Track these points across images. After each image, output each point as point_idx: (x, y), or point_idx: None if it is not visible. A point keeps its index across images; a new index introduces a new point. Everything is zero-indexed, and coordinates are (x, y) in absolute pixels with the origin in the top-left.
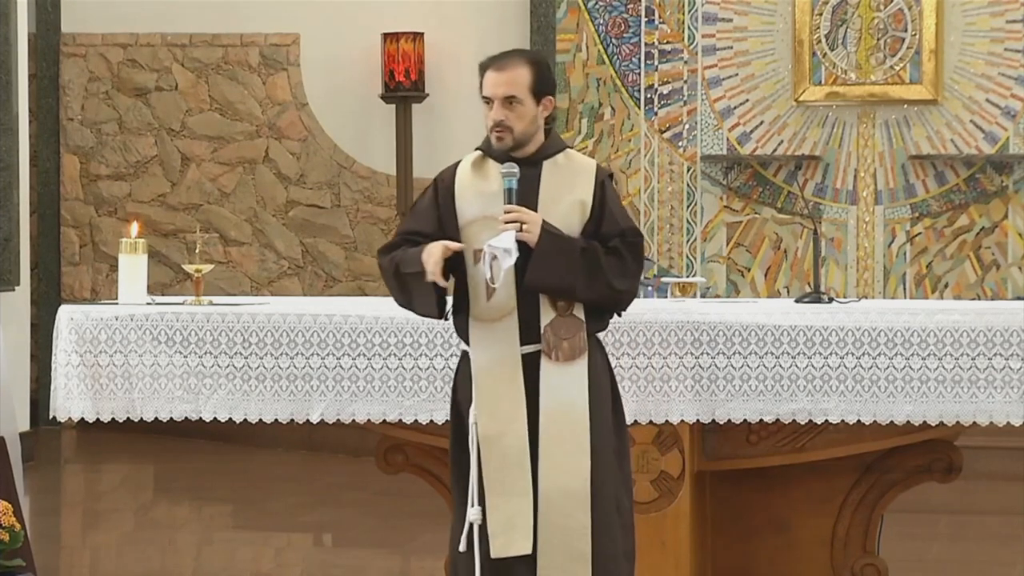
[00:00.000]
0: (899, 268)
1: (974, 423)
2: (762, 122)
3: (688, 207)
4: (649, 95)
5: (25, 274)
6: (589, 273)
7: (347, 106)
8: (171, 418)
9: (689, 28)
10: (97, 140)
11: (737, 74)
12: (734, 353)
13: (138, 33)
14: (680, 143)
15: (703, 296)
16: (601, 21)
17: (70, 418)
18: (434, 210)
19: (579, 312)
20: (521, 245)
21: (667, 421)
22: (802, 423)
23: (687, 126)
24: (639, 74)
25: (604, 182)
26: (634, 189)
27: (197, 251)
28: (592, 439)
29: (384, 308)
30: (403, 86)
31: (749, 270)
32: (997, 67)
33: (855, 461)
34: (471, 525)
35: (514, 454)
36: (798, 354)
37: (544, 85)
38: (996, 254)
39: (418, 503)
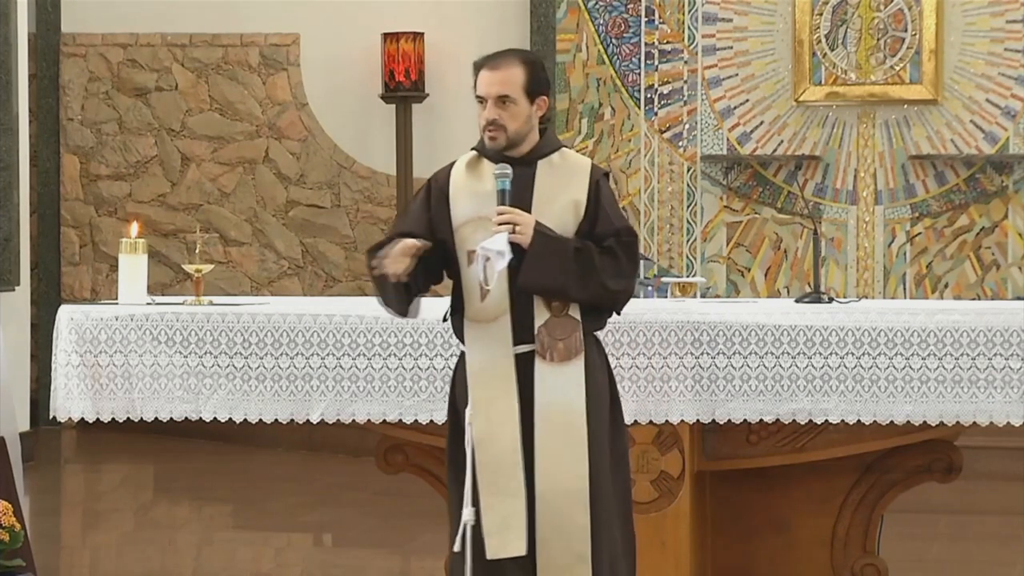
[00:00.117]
0: (899, 268)
1: (974, 423)
2: (762, 122)
3: (688, 207)
4: (649, 95)
5: (25, 274)
6: (583, 274)
7: (347, 106)
8: (171, 418)
9: (689, 28)
10: (97, 140)
11: (737, 74)
12: (734, 353)
13: (138, 33)
14: (680, 143)
15: (703, 296)
16: (601, 21)
17: (70, 418)
18: (424, 212)
19: (575, 312)
20: (514, 246)
21: (667, 421)
22: (802, 423)
23: (687, 126)
24: (639, 74)
25: (599, 181)
26: (634, 189)
27: (197, 251)
28: (590, 439)
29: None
30: (403, 86)
31: (749, 270)
32: (997, 67)
33: (855, 461)
34: (465, 525)
35: (507, 455)
36: (798, 354)
37: (538, 85)
38: (996, 254)
39: (418, 503)
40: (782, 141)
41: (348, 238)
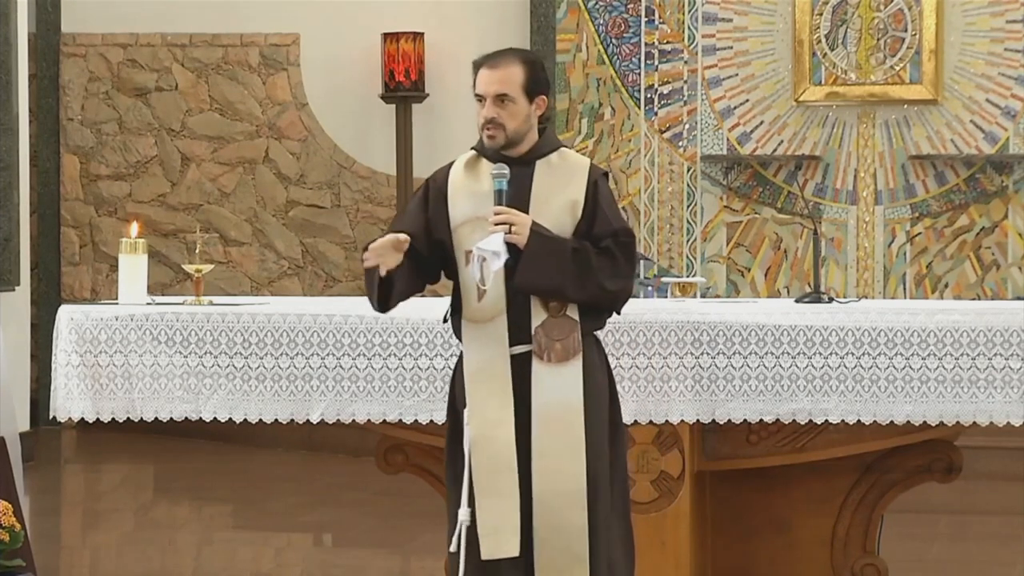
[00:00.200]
0: (899, 268)
1: (974, 423)
2: (762, 122)
3: (688, 207)
4: (649, 95)
5: (25, 274)
6: (579, 274)
7: (347, 106)
8: (171, 418)
9: (689, 28)
10: (97, 140)
11: (737, 74)
12: (734, 353)
13: (138, 33)
14: (680, 143)
15: (703, 296)
16: (601, 21)
17: (70, 418)
18: (421, 212)
19: (573, 313)
20: (511, 247)
21: (667, 421)
22: (802, 423)
23: (687, 126)
24: (639, 74)
25: (597, 182)
26: (634, 189)
27: (197, 251)
28: (588, 439)
29: None
30: (403, 86)
31: (749, 270)
32: (997, 67)
33: (855, 461)
34: (460, 526)
35: (502, 456)
36: (798, 354)
37: (537, 84)
38: (996, 254)
39: (418, 503)
40: (782, 141)
41: (348, 238)
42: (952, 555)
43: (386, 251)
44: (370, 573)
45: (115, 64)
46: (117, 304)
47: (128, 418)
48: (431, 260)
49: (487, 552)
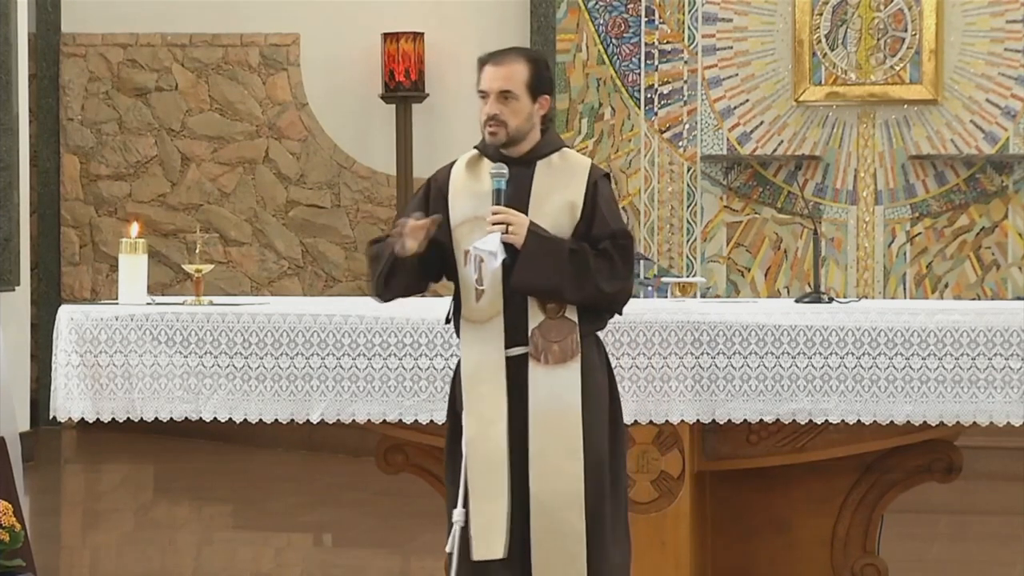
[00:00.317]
0: (899, 268)
1: (974, 423)
2: (762, 122)
3: (688, 207)
4: (649, 95)
5: (25, 274)
6: (576, 275)
7: (347, 106)
8: (171, 418)
9: (689, 28)
10: (97, 140)
11: (737, 74)
12: (734, 353)
13: (138, 33)
14: (680, 143)
15: (703, 296)
16: (601, 21)
17: (70, 418)
18: (422, 211)
19: (571, 314)
20: (508, 247)
21: (667, 421)
22: (802, 423)
23: (687, 126)
24: (639, 74)
25: (597, 183)
26: (634, 189)
27: (197, 251)
28: (586, 440)
29: (384, 308)
30: (403, 86)
31: (749, 270)
32: (997, 67)
33: (855, 461)
34: (455, 526)
35: (494, 457)
36: (798, 354)
37: (541, 83)
38: (996, 254)
39: (418, 503)
40: (782, 141)
41: (348, 238)
42: (952, 555)
43: (419, 233)
44: (370, 573)
45: (115, 64)
46: (117, 304)
47: (128, 418)
48: (431, 259)
49: (477, 553)
